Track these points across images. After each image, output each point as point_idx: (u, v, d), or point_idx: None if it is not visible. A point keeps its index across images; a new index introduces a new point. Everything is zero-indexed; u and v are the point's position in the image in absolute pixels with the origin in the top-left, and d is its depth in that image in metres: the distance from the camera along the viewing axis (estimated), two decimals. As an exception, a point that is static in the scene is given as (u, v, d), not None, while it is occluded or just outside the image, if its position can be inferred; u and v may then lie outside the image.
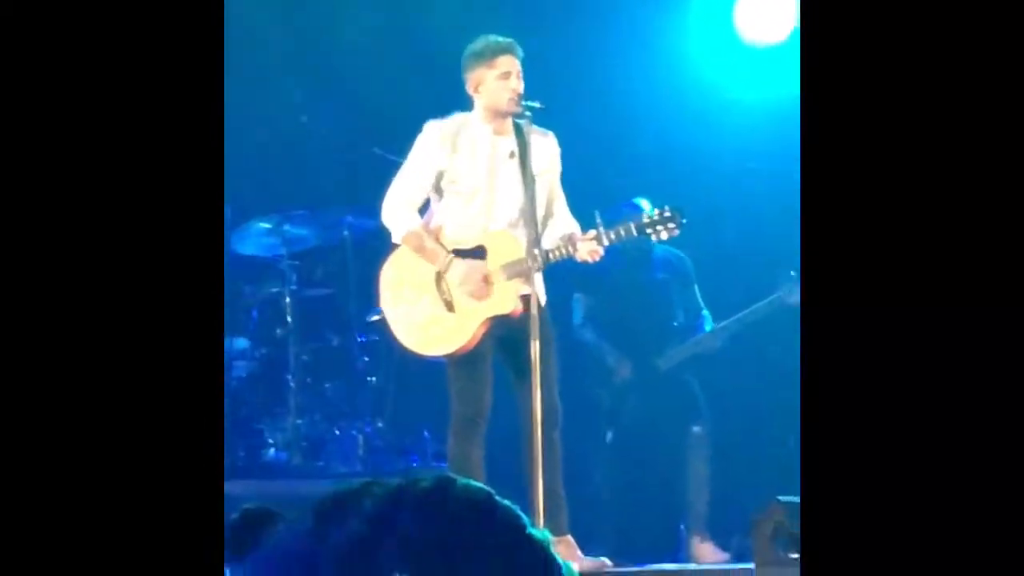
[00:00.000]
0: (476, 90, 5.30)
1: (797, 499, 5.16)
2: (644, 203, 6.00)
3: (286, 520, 1.45)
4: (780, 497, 4.92)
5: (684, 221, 5.22)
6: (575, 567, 4.30)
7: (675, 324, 6.81)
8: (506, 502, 1.36)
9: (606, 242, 5.25)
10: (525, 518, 1.37)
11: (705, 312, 6.90)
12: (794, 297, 6.39)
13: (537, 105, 5.19)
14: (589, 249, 5.25)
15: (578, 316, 6.74)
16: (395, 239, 5.41)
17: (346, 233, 6.73)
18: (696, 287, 6.93)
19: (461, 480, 1.35)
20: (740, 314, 6.78)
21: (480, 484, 1.40)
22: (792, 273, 6.41)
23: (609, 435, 6.76)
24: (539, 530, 1.36)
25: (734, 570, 5.88)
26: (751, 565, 5.13)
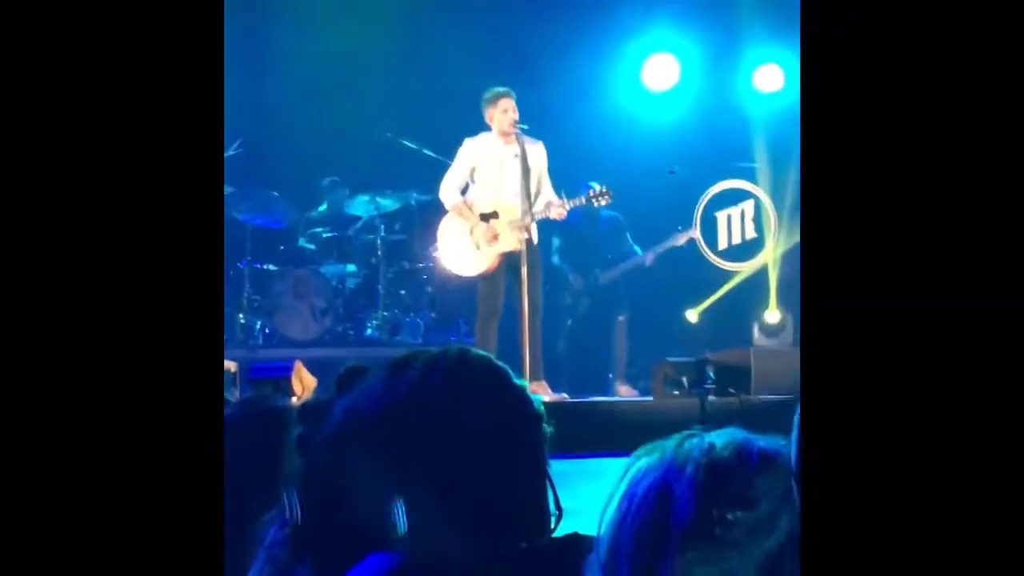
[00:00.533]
0: (490, 120, 7.30)
1: (682, 358, 7.71)
2: (595, 184, 7.54)
3: (372, 372, 1.56)
4: (668, 358, 7.06)
5: (613, 195, 7.24)
6: (544, 399, 6.74)
7: (609, 257, 9.12)
8: (501, 363, 1.54)
9: (568, 207, 7.25)
10: (511, 373, 1.54)
11: (636, 248, 9.13)
12: (678, 242, 8.86)
13: (525, 127, 7.16)
14: (558, 212, 7.22)
15: (552, 251, 8.69)
16: (447, 208, 7.50)
17: (412, 202, 9.14)
18: (628, 234, 9.24)
19: (475, 351, 1.54)
20: (645, 252, 9.05)
21: (487, 353, 1.55)
22: (679, 228, 8.90)
23: (569, 322, 9.06)
24: (521, 380, 1.53)
25: (640, 401, 7.67)
26: (650, 398, 7.10)
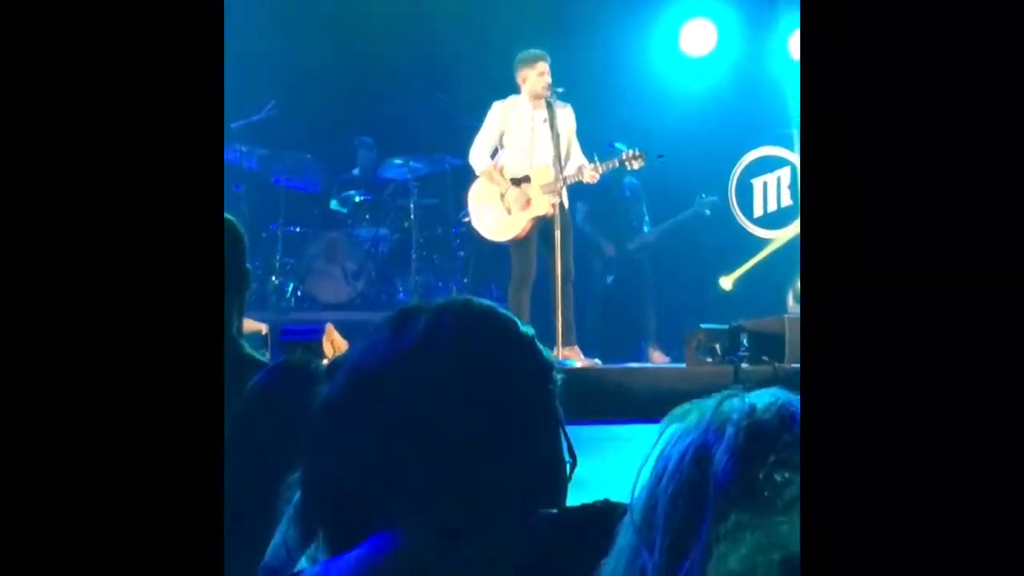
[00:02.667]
0: (523, 81, 7.25)
1: (715, 325, 7.83)
2: (621, 145, 7.61)
3: (372, 329, 1.48)
4: (703, 325, 6.83)
5: (646, 156, 7.18)
6: (578, 364, 7.11)
7: (634, 224, 9.24)
8: (506, 311, 1.48)
9: (602, 170, 7.15)
10: (519, 321, 1.48)
11: (646, 217, 9.25)
12: (703, 209, 8.97)
13: (560, 90, 7.10)
14: (591, 175, 7.14)
15: (579, 215, 8.56)
16: (476, 173, 7.46)
17: (447, 167, 9.02)
18: (644, 204, 9.29)
19: (480, 300, 1.47)
20: (673, 219, 9.24)
21: (491, 303, 1.47)
22: (703, 196, 8.98)
23: (603, 287, 9.17)
24: (529, 327, 1.47)
25: (673, 368, 7.68)
26: (684, 364, 6.97)
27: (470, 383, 1.42)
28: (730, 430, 0.97)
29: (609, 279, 9.26)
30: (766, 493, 0.94)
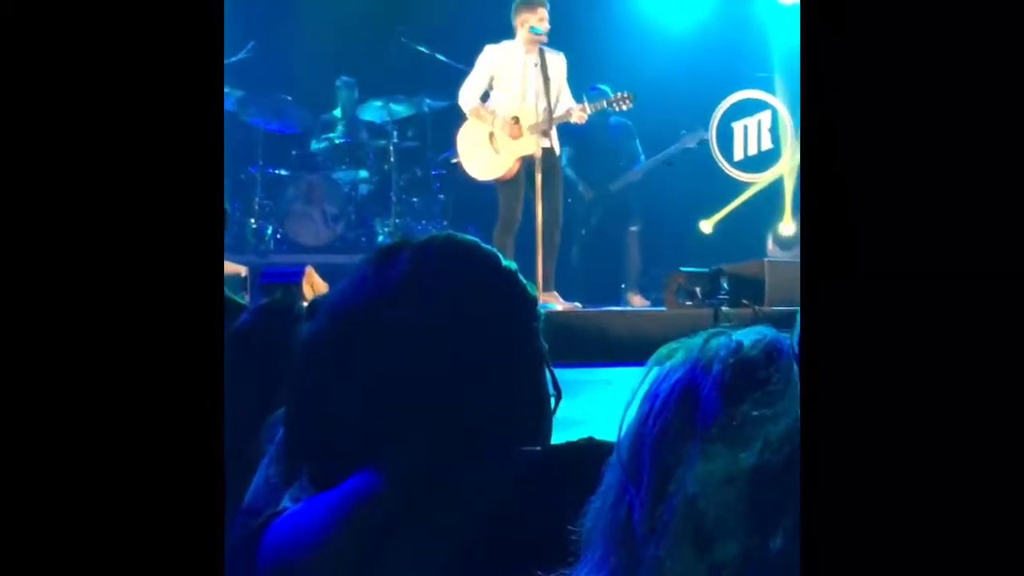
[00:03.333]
0: (521, 25, 7.22)
1: (695, 268, 7.84)
2: (605, 87, 7.94)
3: (354, 267, 1.45)
4: (683, 268, 6.98)
5: (634, 98, 7.24)
6: (558, 308, 7.15)
7: (620, 164, 9.18)
8: (489, 247, 1.45)
9: (590, 110, 7.19)
10: (501, 255, 1.45)
11: (642, 156, 9.22)
12: (691, 143, 8.92)
13: (544, 32, 7.17)
14: (579, 115, 7.16)
15: (564, 159, 8.27)
16: (465, 112, 7.44)
17: (426, 109, 9.08)
18: (637, 140, 9.23)
19: (462, 235, 1.45)
20: (657, 156, 9.12)
21: (474, 238, 1.45)
22: (683, 132, 8.94)
23: (583, 232, 9.17)
24: (512, 262, 1.44)
25: (653, 311, 7.77)
26: (664, 308, 7.10)
27: (453, 318, 1.40)
28: (717, 367, 0.97)
29: (592, 221, 9.23)
30: (734, 423, 0.93)
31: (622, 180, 9.18)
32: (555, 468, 1.37)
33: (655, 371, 1.02)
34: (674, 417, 0.96)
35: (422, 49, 8.59)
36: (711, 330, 1.00)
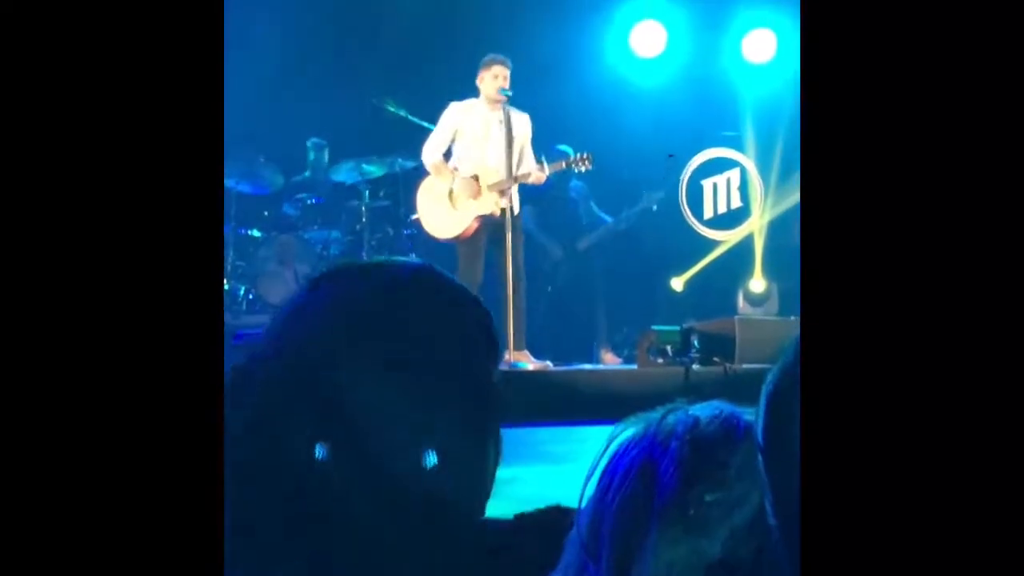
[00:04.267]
0: (480, 82, 7.31)
1: (667, 327, 7.80)
2: (566, 148, 7.89)
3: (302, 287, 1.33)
4: (654, 326, 6.96)
5: (593, 159, 7.20)
6: (529, 367, 7.06)
7: (582, 223, 9.18)
8: (449, 274, 1.36)
9: (549, 171, 7.28)
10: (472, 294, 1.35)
11: (606, 217, 9.22)
12: (651, 204, 8.97)
13: (509, 93, 7.15)
14: (537, 176, 7.24)
15: (526, 218, 8.09)
16: (427, 168, 7.44)
17: (398, 169, 8.89)
18: (592, 203, 9.30)
19: (412, 261, 1.35)
20: (619, 216, 9.15)
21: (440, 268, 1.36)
22: (645, 193, 8.99)
23: (549, 288, 9.04)
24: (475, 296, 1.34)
25: (625, 369, 7.80)
26: (635, 366, 7.13)
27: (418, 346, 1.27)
28: (674, 444, 0.98)
29: (558, 281, 9.17)
30: (692, 512, 0.94)
31: (589, 239, 9.17)
32: (522, 537, 1.32)
33: (615, 444, 1.03)
34: (632, 493, 0.97)
35: (391, 109, 8.56)
36: (668, 405, 1.01)
